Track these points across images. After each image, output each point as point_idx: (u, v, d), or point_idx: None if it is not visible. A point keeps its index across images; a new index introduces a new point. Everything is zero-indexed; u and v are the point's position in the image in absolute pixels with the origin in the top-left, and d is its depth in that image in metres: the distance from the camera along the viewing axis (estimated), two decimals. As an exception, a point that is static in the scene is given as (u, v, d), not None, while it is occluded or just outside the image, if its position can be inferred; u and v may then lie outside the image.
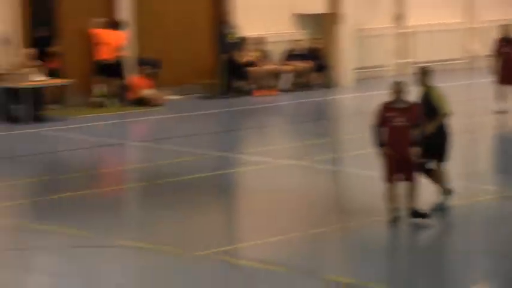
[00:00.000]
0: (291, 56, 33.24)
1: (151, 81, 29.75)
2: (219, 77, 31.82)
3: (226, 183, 21.62)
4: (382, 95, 19.12)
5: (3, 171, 22.58)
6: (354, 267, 14.13)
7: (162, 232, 16.83)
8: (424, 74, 16.54)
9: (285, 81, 32.98)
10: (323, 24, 34.15)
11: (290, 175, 22.12)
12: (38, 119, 26.50)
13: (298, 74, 33.28)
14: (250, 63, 31.99)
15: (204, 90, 31.58)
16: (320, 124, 29.25)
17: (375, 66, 35.80)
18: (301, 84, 33.13)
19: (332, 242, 16.04)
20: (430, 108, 17.56)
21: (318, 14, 33.75)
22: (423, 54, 35.85)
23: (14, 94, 26.53)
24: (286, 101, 32.00)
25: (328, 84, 33.13)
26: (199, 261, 15.10)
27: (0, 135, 25.64)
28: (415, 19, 36.82)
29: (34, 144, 24.85)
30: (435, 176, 16.91)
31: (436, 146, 16.71)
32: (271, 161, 22.77)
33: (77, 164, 22.91)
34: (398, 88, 15.74)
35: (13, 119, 26.23)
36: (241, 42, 31.73)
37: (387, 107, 16.22)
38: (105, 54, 28.82)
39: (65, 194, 19.38)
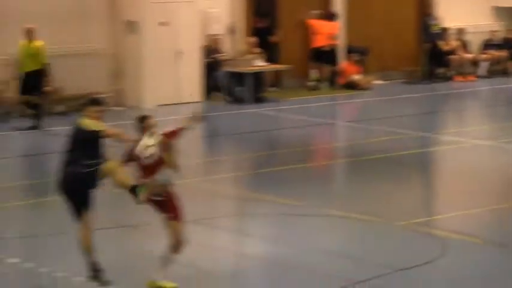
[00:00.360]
0: (488, 45, 32.77)
1: (359, 67, 29.82)
2: (422, 64, 31.55)
3: (426, 160, 21.90)
4: None
5: (229, 146, 23.65)
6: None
7: (366, 203, 17.07)
8: None
9: (483, 68, 32.60)
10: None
11: (485, 154, 22.17)
12: (259, 100, 27.04)
13: (495, 62, 32.89)
14: (451, 52, 31.54)
15: (407, 76, 31.33)
16: (515, 108, 29.27)
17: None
18: (497, 71, 32.64)
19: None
20: None
21: (515, 7, 33.58)
22: None
23: (238, 78, 27.13)
24: (483, 86, 31.62)
25: (523, 71, 32.94)
26: (400, 231, 15.51)
27: (226, 114, 26.16)
28: None
29: (255, 122, 25.42)
30: None
31: None
32: (468, 141, 22.71)
33: (292, 141, 23.30)
34: None
35: (237, 100, 26.88)
36: (443, 33, 31.35)
37: None
38: (319, 42, 29.00)
39: (280, 168, 20.02)
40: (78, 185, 12.21)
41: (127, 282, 12.81)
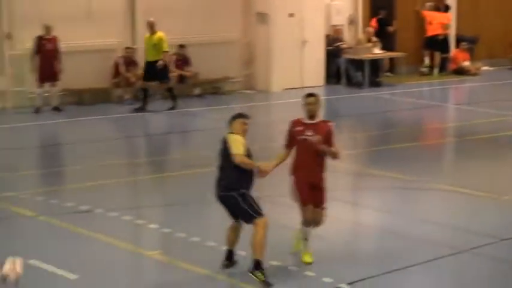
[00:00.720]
0: None
1: (468, 54, 29.86)
2: None
3: None
4: None
5: (348, 126, 23.45)
6: None
7: (473, 179, 17.21)
8: None
9: None
10: None
11: None
12: (375, 84, 27.37)
13: None
14: None
15: (509, 63, 31.32)
16: None
17: None
18: None
19: None
20: None
21: None
22: None
23: (357, 64, 27.33)
24: None
25: None
26: (505, 204, 15.54)
27: (345, 97, 26.53)
28: None
29: (371, 104, 25.62)
30: None
31: None
32: None
33: (405, 122, 23.80)
34: None
35: (355, 84, 27.22)
36: None
37: None
38: (433, 32, 29.17)
39: (394, 146, 20.59)
40: (226, 204, 11.86)
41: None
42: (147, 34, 23.54)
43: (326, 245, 13.50)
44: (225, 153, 11.70)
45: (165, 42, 23.40)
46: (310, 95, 12.59)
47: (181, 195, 16.43)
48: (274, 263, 12.33)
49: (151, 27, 23.42)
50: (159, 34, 23.35)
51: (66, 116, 23.45)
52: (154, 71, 23.56)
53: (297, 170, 12.46)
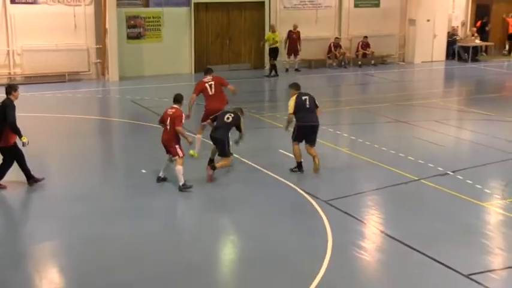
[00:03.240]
0: None
1: None
2: None
3: None
4: None
5: (459, 83, 24.31)
6: None
7: None
8: None
9: None
10: None
11: None
12: (475, 60, 28.33)
13: None
14: None
15: None
16: None
17: None
18: None
19: None
20: None
21: None
22: None
23: (465, 48, 28.47)
24: None
25: None
26: None
27: (457, 67, 27.25)
28: None
29: (473, 72, 25.93)
30: None
31: None
32: None
33: (493, 82, 23.70)
34: None
35: (464, 60, 28.28)
36: None
37: None
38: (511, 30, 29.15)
39: (483, 95, 20.74)
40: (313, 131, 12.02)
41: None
42: (270, 33, 23.81)
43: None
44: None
45: (277, 37, 23.68)
46: None
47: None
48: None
49: (273, 29, 23.98)
50: (277, 33, 23.84)
51: (301, 73, 24.56)
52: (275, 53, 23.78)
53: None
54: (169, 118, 11.46)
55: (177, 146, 11.39)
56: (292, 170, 12.09)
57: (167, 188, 11.39)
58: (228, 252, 9.08)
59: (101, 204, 10.53)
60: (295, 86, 12.11)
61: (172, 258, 8.54)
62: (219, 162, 11.68)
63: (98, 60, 22.86)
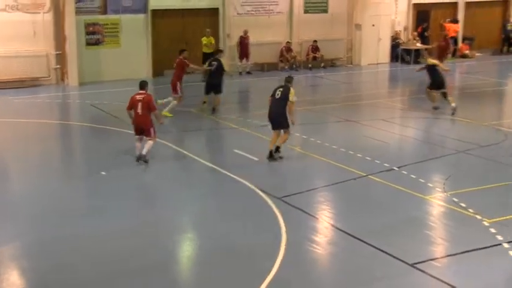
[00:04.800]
0: None
1: (468, 46, 30.62)
2: (501, 45, 31.61)
3: (503, 91, 21.68)
4: None
5: (402, 83, 23.92)
6: None
7: (471, 112, 17.05)
8: None
9: None
10: None
11: None
12: (417, 62, 27.04)
13: None
14: None
15: (493, 51, 31.58)
16: None
17: None
18: None
19: None
20: None
21: None
22: None
23: (407, 51, 28.25)
24: None
25: None
26: (483, 127, 15.56)
27: (400, 69, 26.80)
28: None
29: (415, 73, 23.01)
30: None
31: None
32: None
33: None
34: None
35: (406, 62, 27.86)
36: None
37: None
38: (450, 34, 28.64)
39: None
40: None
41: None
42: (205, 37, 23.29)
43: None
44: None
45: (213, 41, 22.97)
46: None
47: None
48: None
49: (208, 34, 23.38)
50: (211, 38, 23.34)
51: (253, 76, 24.53)
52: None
53: None
54: (140, 103, 12.27)
55: (151, 129, 12.32)
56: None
57: (125, 189, 11.29)
58: (184, 250, 8.98)
59: (60, 206, 10.35)
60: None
61: (131, 256, 8.42)
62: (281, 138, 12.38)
63: (58, 66, 22.52)
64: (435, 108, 17.37)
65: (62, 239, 8.90)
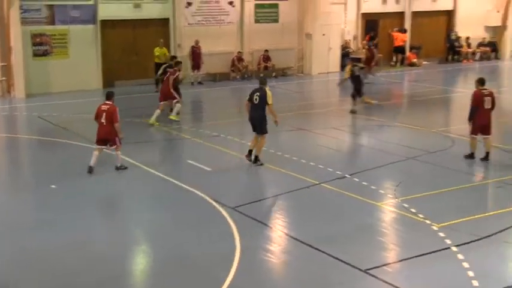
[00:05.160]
0: (481, 44, 32.86)
1: (416, 55, 31.20)
2: (446, 54, 31.98)
3: (447, 99, 21.97)
4: None
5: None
6: None
7: (416, 119, 17.56)
8: None
9: (477, 56, 32.33)
10: None
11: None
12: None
13: (483, 53, 33.09)
14: (461, 48, 32.34)
15: (439, 60, 32.21)
16: None
17: None
18: (485, 58, 32.84)
19: None
20: None
21: None
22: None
23: (357, 60, 24.98)
24: (477, 65, 31.29)
25: None
26: (431, 133, 15.83)
27: (348, 78, 27.02)
28: None
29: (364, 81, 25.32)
30: None
31: None
32: (465, 91, 20.67)
33: (381, 90, 23.52)
34: None
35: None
36: (458, 39, 32.40)
37: None
38: (397, 43, 30.64)
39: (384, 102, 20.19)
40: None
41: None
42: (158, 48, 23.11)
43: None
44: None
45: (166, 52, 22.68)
46: None
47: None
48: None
49: (161, 44, 23.25)
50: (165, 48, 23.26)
51: (205, 86, 24.56)
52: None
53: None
54: (104, 113, 12.44)
55: (116, 138, 12.54)
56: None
57: (76, 201, 11.13)
58: (138, 262, 8.89)
59: (8, 219, 10.22)
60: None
61: (84, 269, 8.31)
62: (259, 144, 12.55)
63: (3, 78, 22.14)
64: (353, 111, 18.35)
65: (10, 253, 8.78)
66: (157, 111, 16.85)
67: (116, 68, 24.81)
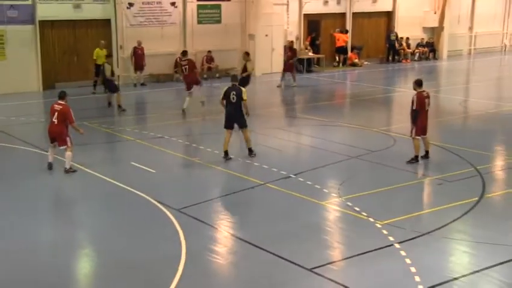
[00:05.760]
0: (419, 45, 33.71)
1: (357, 55, 31.73)
2: (386, 54, 32.98)
3: (389, 99, 22.45)
4: None
5: (295, 94, 23.89)
6: None
7: (359, 119, 17.69)
8: None
9: (416, 56, 33.23)
10: None
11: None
12: (309, 71, 29.12)
13: (422, 53, 33.92)
14: (400, 48, 32.95)
15: (379, 60, 33.28)
16: None
17: None
18: (423, 58, 33.44)
19: None
20: None
21: None
22: None
23: (300, 60, 28.74)
24: (415, 65, 32.17)
25: None
26: (373, 133, 15.98)
27: (291, 78, 25.54)
28: None
29: (307, 82, 26.24)
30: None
31: None
32: (406, 90, 20.92)
33: (325, 91, 24.13)
34: None
35: (298, 71, 28.11)
36: (397, 39, 33.11)
37: None
38: (339, 44, 31.07)
39: (318, 103, 20.98)
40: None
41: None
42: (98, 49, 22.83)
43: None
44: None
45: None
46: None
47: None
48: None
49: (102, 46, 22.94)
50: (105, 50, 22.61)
51: (148, 88, 24.60)
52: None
53: None
54: (56, 113, 12.42)
55: (67, 138, 12.50)
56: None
57: (19, 206, 10.99)
58: (82, 266, 8.76)
59: None
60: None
61: (27, 277, 8.12)
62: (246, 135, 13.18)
63: None
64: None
65: None
66: (187, 99, 18.50)
67: (57, 70, 24.41)
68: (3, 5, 22.31)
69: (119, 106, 18.99)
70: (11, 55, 22.64)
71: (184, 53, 20.44)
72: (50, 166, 12.65)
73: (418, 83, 13.13)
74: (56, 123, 12.34)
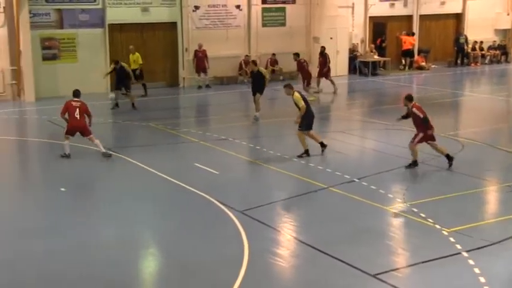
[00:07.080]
0: (490, 48, 32.88)
1: (424, 59, 31.28)
2: (455, 58, 32.08)
3: (458, 103, 22.38)
4: None
5: (360, 98, 23.96)
6: None
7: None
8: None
9: (487, 59, 32.45)
10: None
11: (484, 101, 21.67)
12: (374, 75, 28.77)
13: (493, 56, 33.06)
14: (470, 51, 32.39)
15: (447, 63, 31.92)
16: None
17: None
18: (495, 61, 32.95)
19: None
20: None
21: None
22: None
23: (365, 64, 28.52)
24: (486, 68, 31.88)
25: None
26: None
27: (358, 81, 27.49)
28: None
29: (372, 85, 26.41)
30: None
31: None
32: (476, 95, 23.11)
33: (390, 94, 24.46)
34: None
35: (364, 75, 28.55)
36: (466, 42, 32.27)
37: None
38: (406, 47, 30.61)
39: (386, 106, 20.81)
40: None
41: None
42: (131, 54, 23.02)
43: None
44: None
45: (139, 59, 22.99)
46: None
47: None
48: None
49: (132, 51, 23.14)
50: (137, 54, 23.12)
51: (212, 90, 25.03)
52: None
53: None
54: (77, 109, 14.02)
55: (90, 128, 14.05)
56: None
57: (86, 205, 11.28)
58: (147, 265, 8.85)
59: (17, 224, 10.24)
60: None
61: (93, 274, 8.25)
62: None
63: (13, 82, 22.31)
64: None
65: (19, 258, 8.77)
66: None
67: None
68: (75, 10, 23.09)
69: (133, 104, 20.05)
70: (82, 58, 23.33)
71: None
72: (69, 155, 13.97)
73: (409, 99, 13.18)
74: (78, 118, 13.87)
